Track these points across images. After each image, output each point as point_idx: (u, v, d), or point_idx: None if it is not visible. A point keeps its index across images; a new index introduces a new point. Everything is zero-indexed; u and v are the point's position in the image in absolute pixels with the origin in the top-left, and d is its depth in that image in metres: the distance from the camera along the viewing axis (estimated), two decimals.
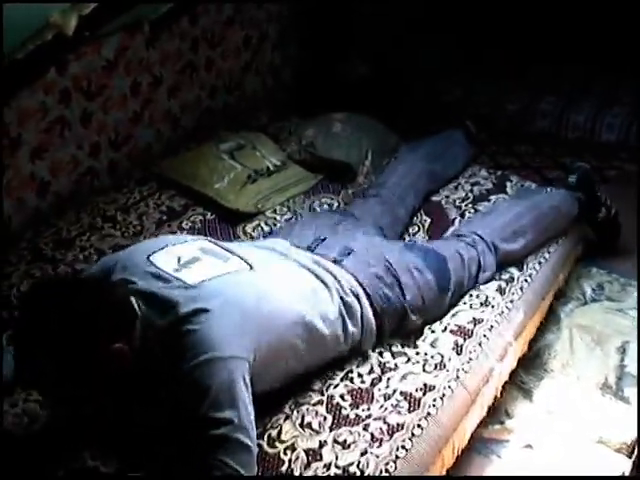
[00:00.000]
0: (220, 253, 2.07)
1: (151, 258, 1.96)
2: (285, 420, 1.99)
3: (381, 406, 2.05)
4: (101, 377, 1.73)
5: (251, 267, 2.03)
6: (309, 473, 1.87)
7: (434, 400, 2.09)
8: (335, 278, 2.18)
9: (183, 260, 1.97)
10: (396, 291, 2.27)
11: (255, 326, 1.86)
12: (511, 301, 2.51)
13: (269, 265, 2.12)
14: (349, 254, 2.30)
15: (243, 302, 1.89)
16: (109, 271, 1.97)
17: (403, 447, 1.95)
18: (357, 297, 2.18)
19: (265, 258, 2.16)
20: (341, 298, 2.14)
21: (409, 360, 2.21)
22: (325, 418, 2.00)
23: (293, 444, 1.93)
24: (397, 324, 2.29)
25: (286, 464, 1.88)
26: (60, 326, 1.67)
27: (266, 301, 1.94)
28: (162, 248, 2.02)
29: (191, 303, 1.80)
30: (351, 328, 2.14)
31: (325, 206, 3.04)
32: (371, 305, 2.21)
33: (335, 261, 2.27)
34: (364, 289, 2.21)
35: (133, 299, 1.81)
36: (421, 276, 2.34)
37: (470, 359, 2.25)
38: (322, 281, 2.15)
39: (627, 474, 2.25)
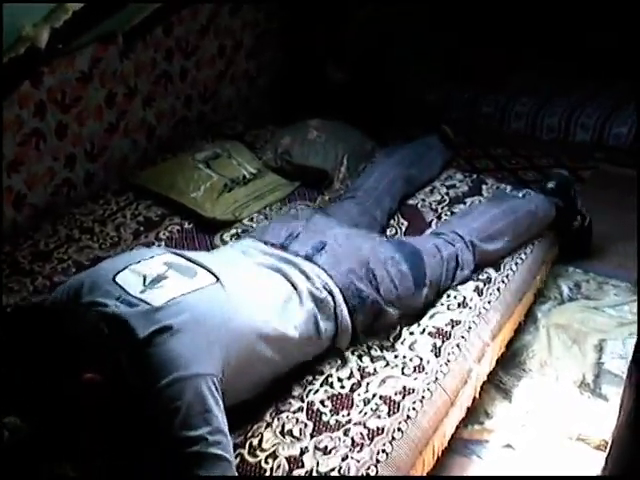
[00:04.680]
0: (187, 267, 2.04)
1: (116, 279, 1.93)
2: (266, 428, 1.99)
3: (361, 411, 2.06)
4: (75, 405, 1.72)
5: (218, 279, 2.01)
6: None
7: (413, 403, 2.10)
8: (307, 276, 2.18)
9: (149, 279, 1.94)
10: (370, 284, 2.27)
11: (222, 341, 1.85)
12: (489, 302, 2.52)
13: (237, 275, 2.10)
14: (322, 249, 2.30)
15: (209, 318, 1.88)
16: (76, 294, 1.94)
17: (384, 451, 1.96)
18: (330, 293, 2.19)
19: (233, 267, 2.16)
20: (313, 297, 2.14)
21: (388, 364, 2.23)
22: (306, 425, 2.01)
23: (274, 452, 1.93)
24: (373, 318, 2.29)
25: (268, 472, 1.88)
26: (29, 358, 1.67)
27: (234, 315, 1.93)
28: (127, 267, 1.99)
29: (155, 324, 1.79)
30: (324, 326, 2.14)
31: None
32: (345, 300, 2.21)
33: (308, 257, 2.27)
34: (337, 285, 2.21)
35: (103, 324, 1.79)
36: (396, 268, 2.34)
37: (448, 361, 2.27)
38: (292, 283, 2.15)
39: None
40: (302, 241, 2.34)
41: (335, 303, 2.19)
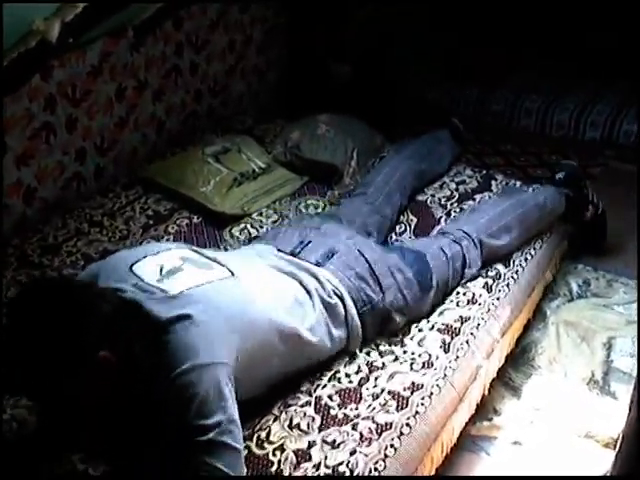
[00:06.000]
0: (202, 261, 2.05)
1: (133, 268, 1.94)
2: (274, 421, 1.99)
3: (369, 405, 2.06)
4: (88, 384, 1.72)
5: (233, 274, 2.02)
6: (298, 473, 1.87)
7: (422, 399, 2.10)
8: (318, 281, 2.19)
9: (165, 270, 1.95)
10: (378, 292, 2.28)
11: (237, 332, 1.86)
12: (497, 298, 2.52)
13: (252, 272, 2.11)
14: (332, 256, 2.31)
15: (224, 309, 1.88)
16: (95, 279, 1.95)
17: (392, 446, 1.96)
18: (341, 299, 2.19)
19: (248, 265, 2.16)
20: (323, 302, 2.15)
21: (397, 359, 2.23)
22: (314, 419, 2.01)
23: (282, 445, 1.93)
24: (380, 325, 2.30)
25: (275, 465, 1.89)
26: (47, 331, 1.66)
27: (248, 308, 1.94)
28: (144, 257, 2.00)
29: (171, 312, 1.79)
30: (335, 332, 2.15)
31: (311, 208, 3.05)
32: (355, 306, 2.22)
33: (318, 264, 2.27)
34: (347, 290, 2.22)
35: (119, 308, 1.79)
36: (402, 276, 2.35)
37: (457, 357, 2.27)
38: (304, 286, 2.16)
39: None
40: (313, 249, 2.35)
41: (346, 309, 2.20)
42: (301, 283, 2.17)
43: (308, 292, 2.15)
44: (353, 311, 2.21)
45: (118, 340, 1.74)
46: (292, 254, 2.32)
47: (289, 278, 2.18)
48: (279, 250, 2.35)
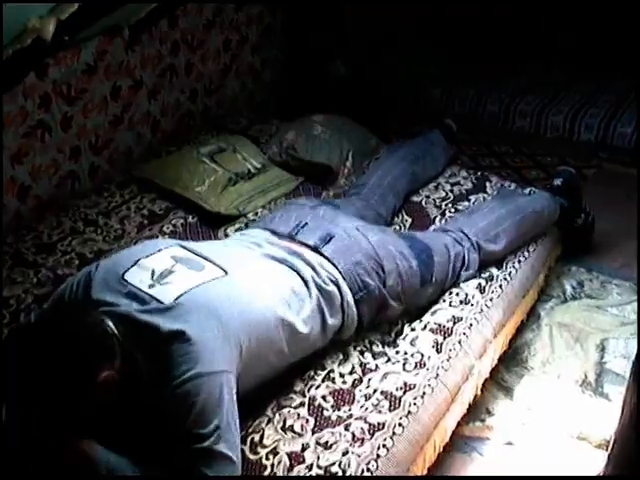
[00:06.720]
0: (194, 261, 2.04)
1: (125, 277, 1.94)
2: (267, 424, 2.00)
3: (362, 406, 2.06)
4: (94, 407, 1.72)
5: (226, 273, 2.02)
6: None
7: (414, 399, 2.10)
8: (313, 269, 2.18)
9: (157, 274, 1.94)
10: (376, 277, 2.27)
11: (234, 334, 1.86)
12: (491, 299, 2.52)
13: (245, 267, 2.11)
14: (330, 240, 2.30)
15: (221, 313, 1.87)
16: (86, 291, 1.95)
17: (384, 446, 1.96)
18: (337, 285, 2.19)
19: (241, 259, 2.16)
20: (319, 289, 2.15)
21: (389, 360, 2.23)
22: (307, 420, 2.01)
23: (275, 448, 1.93)
24: (377, 311, 2.30)
25: (268, 469, 1.89)
26: (43, 372, 1.66)
27: (246, 307, 1.94)
28: (135, 263, 1.99)
29: (170, 324, 1.79)
30: (330, 320, 2.15)
31: None
32: (351, 292, 2.22)
33: (315, 248, 2.27)
34: (343, 276, 2.21)
35: (111, 323, 1.77)
36: (405, 262, 2.35)
37: (450, 357, 2.27)
38: (300, 275, 2.15)
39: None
40: (310, 231, 2.34)
41: (342, 296, 2.19)
42: (297, 271, 2.17)
43: (304, 280, 2.15)
44: (349, 297, 2.21)
45: (117, 354, 1.74)
46: (289, 236, 2.32)
47: (284, 267, 2.18)
48: (274, 234, 2.34)
